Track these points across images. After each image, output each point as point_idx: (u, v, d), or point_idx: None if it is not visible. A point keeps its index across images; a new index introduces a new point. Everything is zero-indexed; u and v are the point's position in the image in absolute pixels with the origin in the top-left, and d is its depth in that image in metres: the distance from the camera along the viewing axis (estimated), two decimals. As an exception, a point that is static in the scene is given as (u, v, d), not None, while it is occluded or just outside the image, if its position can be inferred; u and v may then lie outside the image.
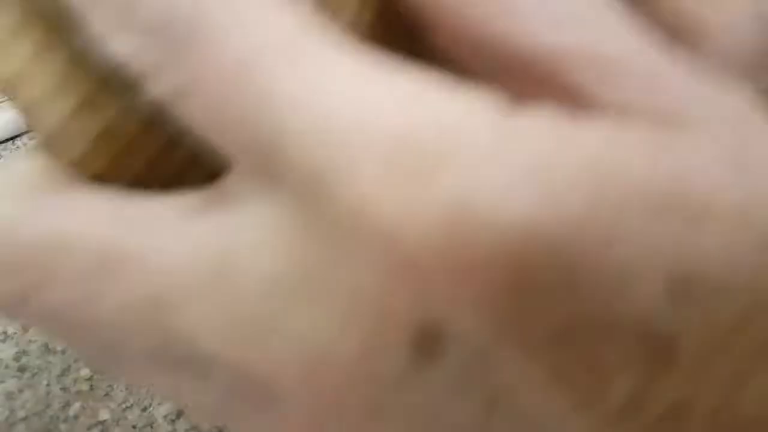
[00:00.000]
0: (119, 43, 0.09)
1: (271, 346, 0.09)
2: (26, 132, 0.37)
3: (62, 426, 0.25)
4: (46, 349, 0.27)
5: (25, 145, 0.37)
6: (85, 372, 0.27)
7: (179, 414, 0.25)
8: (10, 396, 0.26)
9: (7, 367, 0.27)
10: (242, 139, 0.09)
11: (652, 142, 0.08)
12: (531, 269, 0.08)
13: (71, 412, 0.25)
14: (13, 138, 0.37)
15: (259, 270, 0.09)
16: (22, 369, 0.27)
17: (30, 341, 0.28)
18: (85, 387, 0.26)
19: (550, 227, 0.08)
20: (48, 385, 0.26)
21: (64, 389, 0.26)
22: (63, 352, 0.27)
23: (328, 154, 0.08)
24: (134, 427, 0.25)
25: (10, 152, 0.36)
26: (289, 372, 0.08)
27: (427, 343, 0.08)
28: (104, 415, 0.25)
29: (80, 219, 0.10)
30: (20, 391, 0.26)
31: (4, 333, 0.28)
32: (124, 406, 0.25)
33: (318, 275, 0.08)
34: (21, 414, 0.25)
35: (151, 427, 0.25)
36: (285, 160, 0.08)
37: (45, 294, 0.09)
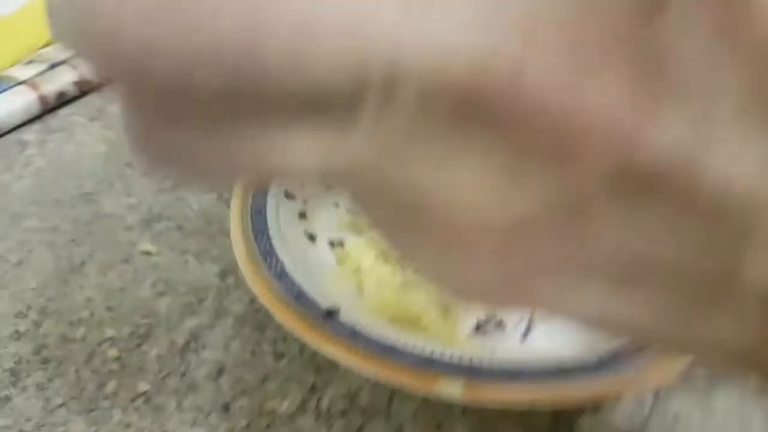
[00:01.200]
0: None
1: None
2: (38, 117, 0.37)
3: (104, 403, 0.25)
4: (65, 339, 0.27)
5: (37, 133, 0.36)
6: (113, 352, 0.27)
7: (220, 371, 0.26)
8: (40, 387, 0.26)
9: (29, 362, 0.27)
10: None
11: None
12: None
13: (108, 389, 0.26)
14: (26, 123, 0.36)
15: None
16: (45, 361, 0.27)
17: (45, 335, 0.27)
18: (115, 366, 0.26)
19: None
20: (77, 371, 0.26)
21: (94, 371, 0.26)
22: (83, 339, 0.27)
23: None
24: (177, 391, 0.26)
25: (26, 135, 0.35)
26: None
27: None
28: (143, 386, 0.26)
29: None
30: (50, 380, 0.26)
31: (17, 332, 0.28)
32: (161, 375, 0.26)
33: None
34: (57, 401, 0.25)
35: (195, 389, 0.25)
36: None
37: None
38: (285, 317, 0.23)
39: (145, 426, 0.24)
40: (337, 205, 0.30)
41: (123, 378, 0.26)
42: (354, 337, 0.23)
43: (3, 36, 0.38)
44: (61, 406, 0.25)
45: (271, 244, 0.26)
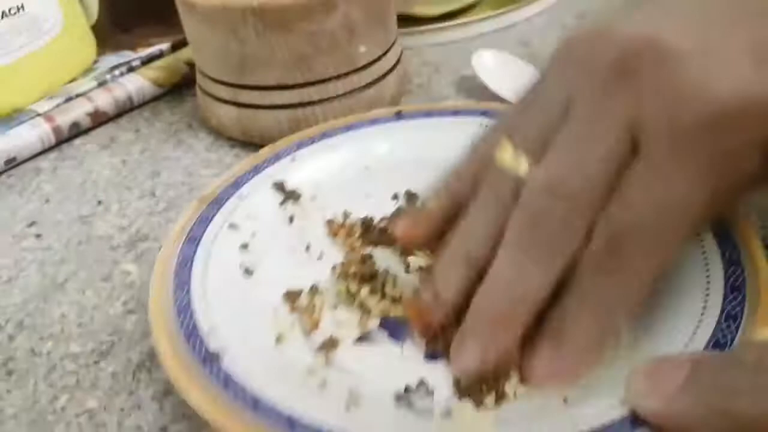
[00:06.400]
0: None
1: None
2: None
3: (50, 417, 0.25)
4: (32, 353, 0.28)
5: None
6: (72, 367, 0.27)
7: (166, 393, 0.25)
8: (-2, 398, 0.26)
9: (-6, 373, 0.27)
10: None
11: None
12: None
13: (59, 404, 0.25)
14: (36, 155, 0.39)
15: None
16: (9, 373, 0.27)
17: (16, 348, 0.28)
18: (71, 381, 0.26)
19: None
20: (35, 383, 0.26)
21: (51, 385, 0.26)
22: (48, 353, 0.28)
23: None
24: (122, 410, 0.25)
25: (34, 170, 0.38)
26: None
27: None
28: (92, 403, 0.25)
29: None
30: (9, 392, 0.26)
31: (-9, 344, 0.28)
32: (111, 392, 0.26)
33: None
34: (10, 412, 0.25)
35: (139, 407, 0.25)
36: None
37: None
38: (168, 359, 0.22)
39: (84, 442, 0.24)
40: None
41: (75, 393, 0.26)
42: (226, 386, 0.21)
43: (31, 72, 0.41)
44: (12, 417, 0.25)
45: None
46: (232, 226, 0.29)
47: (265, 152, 0.32)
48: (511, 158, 0.22)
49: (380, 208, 0.31)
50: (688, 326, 0.22)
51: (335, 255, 0.29)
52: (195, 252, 0.27)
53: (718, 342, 0.21)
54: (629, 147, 0.20)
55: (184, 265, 0.26)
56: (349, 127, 0.33)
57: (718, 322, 0.21)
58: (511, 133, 0.23)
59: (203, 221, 0.28)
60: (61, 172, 0.39)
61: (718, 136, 0.18)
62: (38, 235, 0.34)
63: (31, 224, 0.35)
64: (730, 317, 0.21)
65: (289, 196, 0.31)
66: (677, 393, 0.17)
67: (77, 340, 0.28)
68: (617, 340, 0.22)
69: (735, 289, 0.22)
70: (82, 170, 0.39)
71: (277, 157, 0.32)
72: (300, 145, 0.33)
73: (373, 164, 0.33)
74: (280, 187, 0.31)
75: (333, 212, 0.31)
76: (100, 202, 0.36)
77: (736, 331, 0.21)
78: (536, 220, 0.21)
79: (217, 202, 0.29)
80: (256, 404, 0.21)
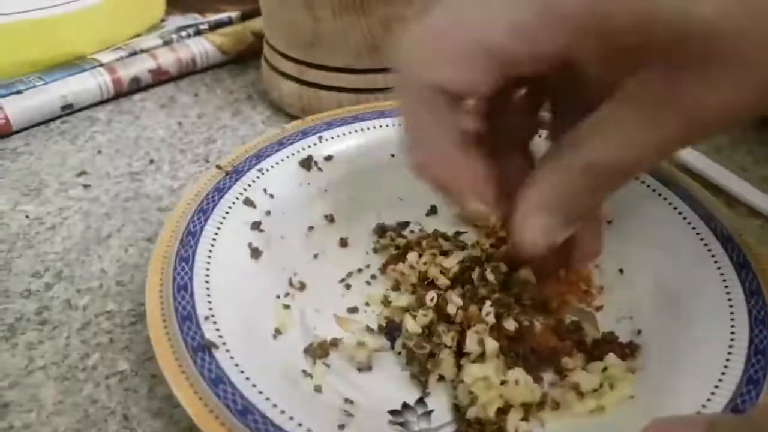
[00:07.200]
0: None
1: None
2: (59, 116, 0.38)
3: (80, 375, 0.24)
4: (68, 305, 0.27)
5: (58, 128, 0.38)
6: (106, 326, 0.26)
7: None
8: (29, 347, 0.25)
9: (28, 320, 0.26)
10: None
11: None
12: None
13: (90, 362, 0.25)
14: (47, 121, 0.38)
15: None
16: (42, 323, 0.26)
17: (51, 297, 0.27)
18: (104, 340, 0.25)
19: None
20: (68, 337, 0.26)
21: (83, 341, 0.25)
22: (84, 308, 0.27)
23: None
24: (153, 376, 0.24)
25: (45, 135, 0.37)
26: None
27: None
28: (123, 365, 0.24)
29: None
30: (40, 342, 0.25)
31: (28, 290, 0.28)
32: (143, 358, 0.25)
33: None
34: (39, 363, 0.25)
35: (171, 377, 0.24)
36: None
37: None
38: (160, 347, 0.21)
39: (111, 406, 0.23)
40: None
41: (108, 353, 0.25)
42: (217, 383, 0.20)
43: (92, 22, 0.40)
44: (41, 368, 0.24)
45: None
46: (248, 202, 0.27)
47: (292, 127, 0.31)
48: None
49: (404, 198, 0.30)
50: (706, 387, 0.20)
51: (354, 246, 0.28)
52: (205, 224, 0.25)
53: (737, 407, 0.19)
54: None
55: (192, 237, 0.25)
56: (381, 113, 0.32)
57: (739, 386, 0.20)
58: None
59: (218, 191, 0.27)
60: (116, 125, 0.38)
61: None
62: (86, 186, 0.34)
63: (80, 174, 0.34)
64: (752, 382, 0.20)
65: (309, 169, 0.29)
66: None
67: (115, 299, 0.27)
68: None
69: (759, 353, 0.21)
70: (137, 126, 0.38)
71: (304, 134, 0.30)
72: (330, 125, 0.31)
73: (399, 152, 0.31)
74: (304, 164, 0.30)
75: (350, 195, 0.30)
76: (152, 161, 0.35)
77: (756, 397, 0.19)
78: None
79: (236, 173, 0.28)
80: (244, 410, 0.19)
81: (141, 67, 0.40)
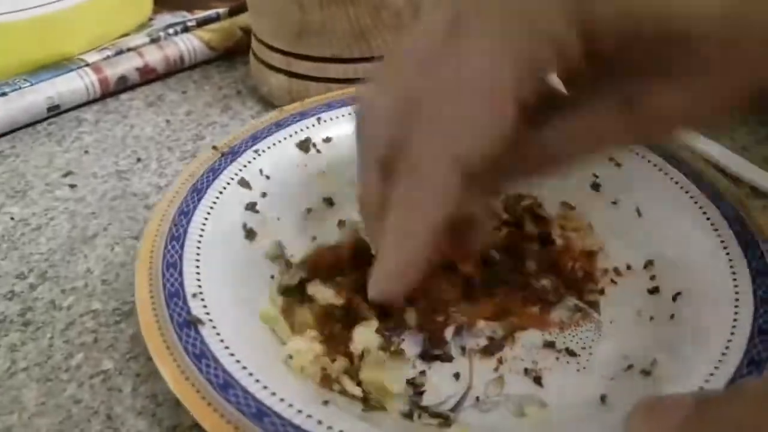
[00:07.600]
0: None
1: None
2: (47, 118, 0.38)
3: (63, 375, 0.23)
4: (52, 305, 0.26)
5: (45, 129, 0.37)
6: (91, 325, 0.25)
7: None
8: (12, 348, 0.25)
9: (11, 322, 0.26)
10: None
11: None
12: None
13: (73, 362, 0.24)
14: (33, 123, 0.38)
15: None
16: (26, 324, 0.26)
17: (35, 299, 0.27)
18: (88, 339, 0.25)
19: None
20: (51, 338, 0.25)
21: (67, 341, 0.25)
22: (69, 308, 0.26)
23: None
24: (138, 375, 0.23)
25: (31, 137, 0.37)
26: None
27: None
28: (107, 365, 0.24)
29: None
30: (23, 343, 0.25)
31: (12, 291, 0.27)
32: (128, 356, 0.24)
33: None
34: (22, 365, 0.24)
35: (156, 374, 0.23)
36: None
37: None
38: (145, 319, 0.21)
39: (95, 406, 0.22)
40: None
41: (92, 352, 0.24)
42: (200, 357, 0.19)
43: (80, 21, 0.40)
44: (23, 370, 0.24)
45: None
46: (243, 183, 0.27)
47: (290, 108, 0.30)
48: None
49: None
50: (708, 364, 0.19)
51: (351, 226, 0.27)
52: (198, 203, 0.25)
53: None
54: None
55: (185, 216, 0.24)
56: None
57: (740, 366, 0.19)
58: None
59: (213, 171, 0.26)
60: (103, 125, 0.38)
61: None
62: (72, 186, 0.33)
63: (67, 174, 0.34)
64: (753, 363, 0.19)
65: (307, 151, 0.29)
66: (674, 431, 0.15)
67: (100, 298, 0.27)
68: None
69: (762, 332, 0.20)
70: (124, 125, 0.38)
71: (302, 116, 0.30)
72: (330, 106, 0.30)
73: None
74: (301, 146, 0.29)
75: (350, 178, 0.29)
76: (139, 159, 0.35)
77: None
78: None
79: (231, 154, 0.27)
80: (226, 386, 0.19)
81: (128, 65, 0.39)
